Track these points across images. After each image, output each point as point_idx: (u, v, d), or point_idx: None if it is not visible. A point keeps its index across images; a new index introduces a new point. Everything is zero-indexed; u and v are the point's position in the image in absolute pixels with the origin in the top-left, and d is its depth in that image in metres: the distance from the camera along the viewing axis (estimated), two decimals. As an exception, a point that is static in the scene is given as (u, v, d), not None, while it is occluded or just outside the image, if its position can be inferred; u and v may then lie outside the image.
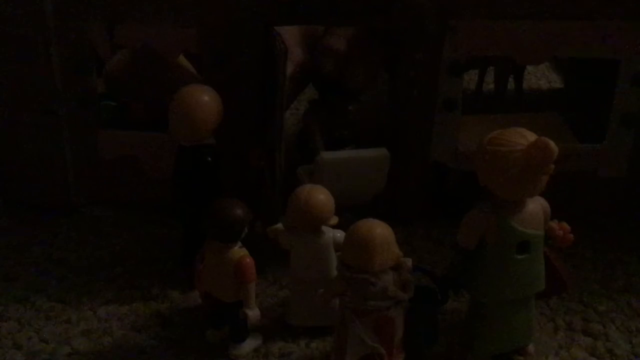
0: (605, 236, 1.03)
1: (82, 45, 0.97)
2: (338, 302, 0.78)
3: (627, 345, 0.86)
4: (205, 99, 0.87)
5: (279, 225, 0.85)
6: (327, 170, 0.93)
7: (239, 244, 0.82)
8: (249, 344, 0.84)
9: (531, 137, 0.73)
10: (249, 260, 0.80)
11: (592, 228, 1.03)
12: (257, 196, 0.99)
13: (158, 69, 1.08)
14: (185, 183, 0.90)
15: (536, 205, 0.77)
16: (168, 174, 0.93)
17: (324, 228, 0.83)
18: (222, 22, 0.95)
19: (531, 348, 0.83)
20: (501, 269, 0.77)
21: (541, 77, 1.48)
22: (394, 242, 0.75)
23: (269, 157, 0.95)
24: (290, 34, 1.00)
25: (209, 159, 0.89)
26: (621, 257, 0.99)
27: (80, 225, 1.04)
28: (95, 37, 0.97)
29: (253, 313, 0.81)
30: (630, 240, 1.02)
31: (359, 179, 0.94)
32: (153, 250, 1.00)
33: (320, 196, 0.82)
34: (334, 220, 0.83)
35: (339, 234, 0.82)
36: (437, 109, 0.99)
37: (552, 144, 0.70)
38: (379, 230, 0.74)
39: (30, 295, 0.92)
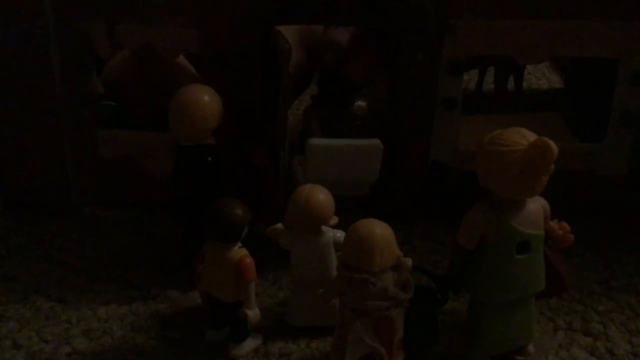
0: (605, 236, 1.03)
1: (82, 45, 0.98)
2: (338, 302, 0.78)
3: (627, 345, 0.86)
4: (205, 99, 0.87)
5: (279, 225, 0.85)
6: (316, 156, 0.92)
7: (239, 244, 0.82)
8: (249, 344, 0.84)
9: (531, 137, 0.72)
10: (249, 260, 0.80)
11: (592, 228, 1.03)
12: (258, 196, 0.99)
13: (158, 69, 1.08)
14: (185, 183, 0.90)
15: (536, 205, 0.77)
16: (168, 173, 0.93)
17: (324, 228, 0.83)
18: (222, 22, 0.95)
19: (531, 348, 0.83)
20: (501, 269, 0.77)
21: (541, 77, 1.48)
22: (394, 242, 0.75)
23: (272, 157, 0.95)
24: (289, 34, 1.00)
25: (209, 158, 0.89)
26: (621, 257, 0.99)
27: (80, 225, 1.04)
28: (95, 37, 0.97)
29: (253, 313, 0.81)
30: (630, 240, 1.02)
31: (349, 168, 0.93)
32: (153, 250, 1.00)
33: (320, 196, 0.82)
34: (334, 220, 0.83)
35: (339, 234, 0.82)
36: (437, 109, 0.99)
37: (552, 144, 0.70)
38: (379, 230, 0.74)
39: (30, 295, 0.92)
